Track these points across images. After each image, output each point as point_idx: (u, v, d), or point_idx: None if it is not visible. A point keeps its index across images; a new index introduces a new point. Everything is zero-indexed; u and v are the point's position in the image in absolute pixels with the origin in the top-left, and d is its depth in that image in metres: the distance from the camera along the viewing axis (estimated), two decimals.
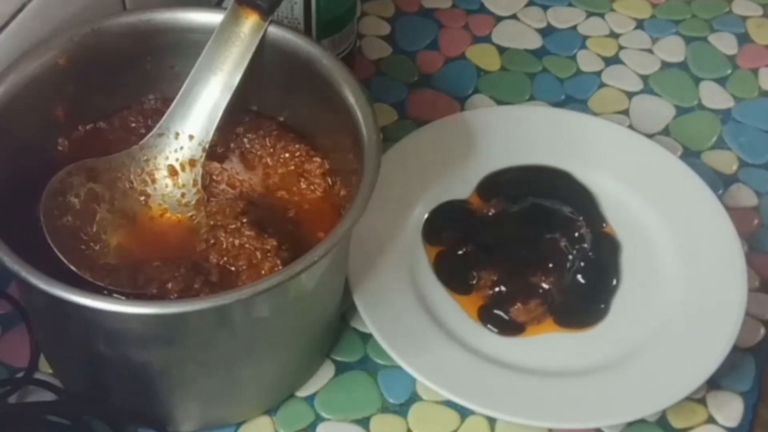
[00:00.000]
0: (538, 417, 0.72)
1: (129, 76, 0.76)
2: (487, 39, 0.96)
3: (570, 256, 0.78)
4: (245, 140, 0.76)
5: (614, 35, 0.97)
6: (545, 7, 0.98)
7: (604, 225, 0.81)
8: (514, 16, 0.98)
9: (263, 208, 0.72)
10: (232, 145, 0.75)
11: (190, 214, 0.72)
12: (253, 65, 0.73)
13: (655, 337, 0.76)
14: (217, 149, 0.74)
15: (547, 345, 0.76)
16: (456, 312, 0.77)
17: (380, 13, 0.98)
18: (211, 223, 0.71)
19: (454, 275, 0.79)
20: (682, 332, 0.76)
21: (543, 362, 0.75)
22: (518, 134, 0.86)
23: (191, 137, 0.73)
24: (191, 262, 0.69)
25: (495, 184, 0.83)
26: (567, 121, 0.87)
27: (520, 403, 0.72)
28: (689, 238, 0.80)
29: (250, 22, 0.72)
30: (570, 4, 0.99)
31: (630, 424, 0.74)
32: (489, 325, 0.77)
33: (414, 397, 0.75)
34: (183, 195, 0.73)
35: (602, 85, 0.93)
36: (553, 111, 0.89)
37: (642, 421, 0.74)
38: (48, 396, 0.73)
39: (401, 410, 0.75)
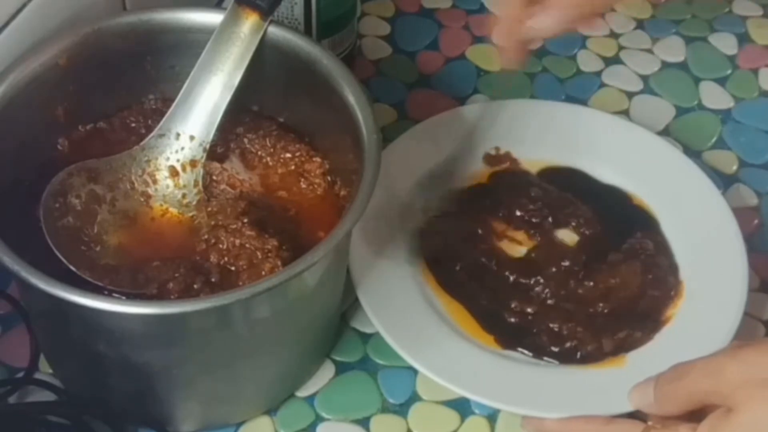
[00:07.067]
0: (542, 408, 0.72)
1: (129, 76, 0.76)
2: (487, 39, 0.96)
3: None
4: (245, 140, 0.76)
5: (614, 35, 0.97)
6: None
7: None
8: None
9: (263, 208, 0.72)
10: (232, 145, 0.75)
11: (191, 214, 0.72)
12: (253, 65, 0.73)
13: (655, 336, 0.76)
14: (218, 149, 0.75)
15: None
16: (460, 305, 0.78)
17: (380, 13, 0.98)
18: (212, 223, 0.71)
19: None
20: (681, 331, 0.76)
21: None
22: (518, 129, 0.85)
23: (192, 138, 0.73)
24: (191, 262, 0.69)
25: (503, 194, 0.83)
26: (568, 115, 0.86)
27: (526, 395, 0.72)
28: (691, 235, 0.80)
29: (250, 22, 0.72)
30: None
31: None
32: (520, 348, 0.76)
33: (414, 397, 0.75)
34: (184, 195, 0.73)
35: (602, 85, 0.93)
36: (553, 105, 0.88)
37: None
38: (48, 396, 0.73)
39: (401, 410, 0.75)
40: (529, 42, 0.74)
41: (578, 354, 0.75)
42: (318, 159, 0.75)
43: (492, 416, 0.74)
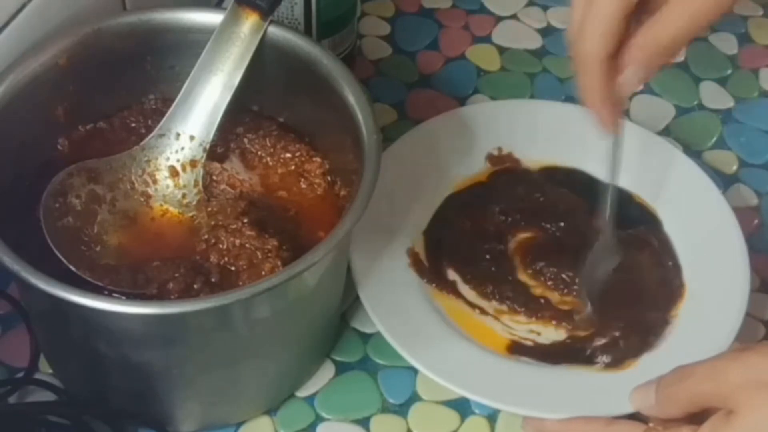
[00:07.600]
0: (542, 409, 0.72)
1: (129, 76, 0.76)
2: (487, 39, 0.96)
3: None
4: (245, 140, 0.76)
5: None
6: (545, 7, 0.98)
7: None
8: (514, 16, 0.98)
9: (263, 208, 0.72)
10: (232, 145, 0.75)
11: (191, 214, 0.72)
12: (253, 65, 0.73)
13: (656, 336, 0.76)
14: (218, 149, 0.75)
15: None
16: (461, 306, 0.78)
17: (380, 13, 0.97)
18: (212, 223, 0.71)
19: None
20: (683, 332, 0.76)
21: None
22: (519, 129, 0.85)
23: (192, 138, 0.73)
24: (191, 262, 0.69)
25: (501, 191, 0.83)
26: (568, 115, 0.86)
27: (526, 395, 0.72)
28: (692, 235, 0.80)
29: (250, 22, 0.72)
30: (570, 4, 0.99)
31: None
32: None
33: (414, 397, 0.75)
34: (184, 195, 0.73)
35: None
36: (554, 105, 0.88)
37: None
38: (48, 396, 0.73)
39: (401, 410, 0.75)
40: (621, 101, 0.71)
41: (587, 352, 0.75)
42: (318, 159, 0.75)
43: (492, 416, 0.74)
